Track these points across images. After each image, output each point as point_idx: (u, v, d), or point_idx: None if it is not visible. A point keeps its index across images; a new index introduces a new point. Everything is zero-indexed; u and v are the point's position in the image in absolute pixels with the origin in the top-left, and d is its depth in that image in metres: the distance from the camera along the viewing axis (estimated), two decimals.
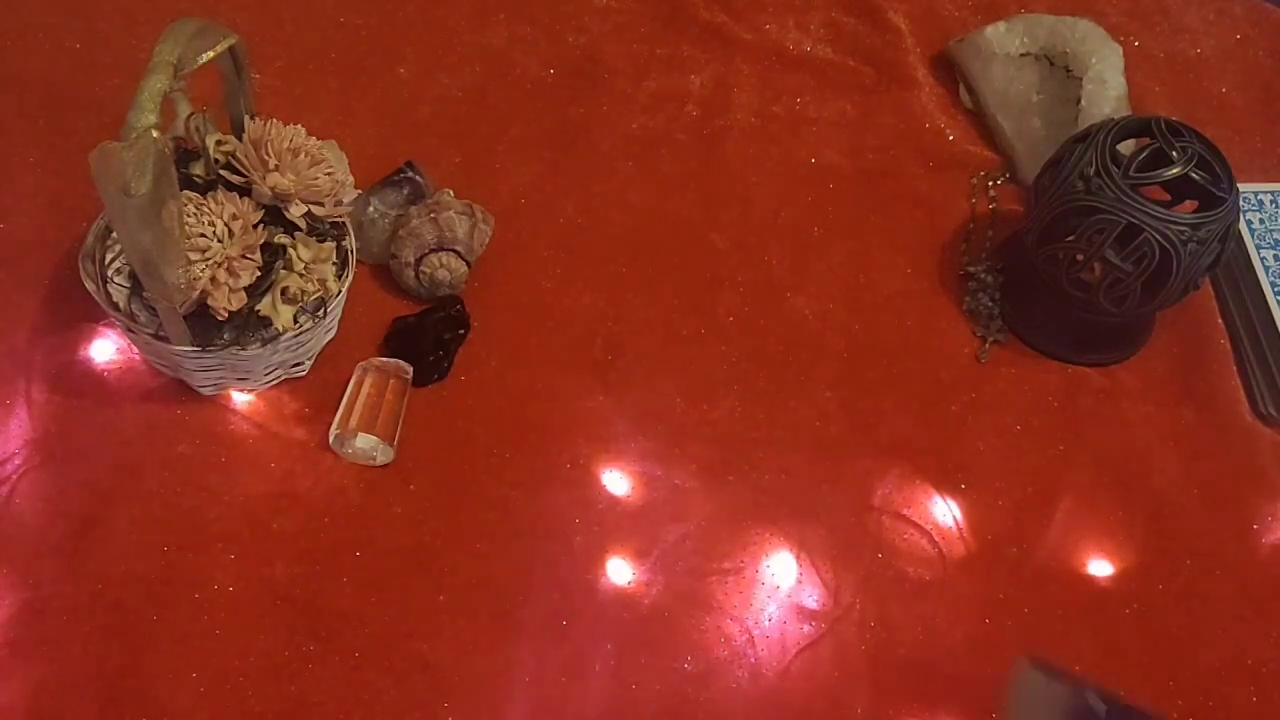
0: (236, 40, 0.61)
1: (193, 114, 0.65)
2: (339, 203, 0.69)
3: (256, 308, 0.66)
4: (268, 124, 0.66)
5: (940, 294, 0.85)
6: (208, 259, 0.62)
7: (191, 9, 0.84)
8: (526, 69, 0.94)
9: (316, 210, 0.68)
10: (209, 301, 0.64)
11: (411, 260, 0.77)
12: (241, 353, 0.67)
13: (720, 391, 0.78)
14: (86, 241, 0.68)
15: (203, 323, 0.65)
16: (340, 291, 0.71)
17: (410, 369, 0.74)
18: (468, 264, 0.78)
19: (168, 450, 0.71)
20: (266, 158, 0.65)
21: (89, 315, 0.75)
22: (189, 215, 0.62)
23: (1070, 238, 0.74)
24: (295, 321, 0.68)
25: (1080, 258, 0.74)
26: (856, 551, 0.71)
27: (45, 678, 0.63)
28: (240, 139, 0.66)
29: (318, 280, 0.69)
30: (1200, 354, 0.83)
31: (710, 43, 0.98)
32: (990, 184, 0.91)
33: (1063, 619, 0.70)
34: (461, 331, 0.77)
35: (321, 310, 0.69)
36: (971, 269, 0.85)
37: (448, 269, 0.77)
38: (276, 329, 0.67)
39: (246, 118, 0.67)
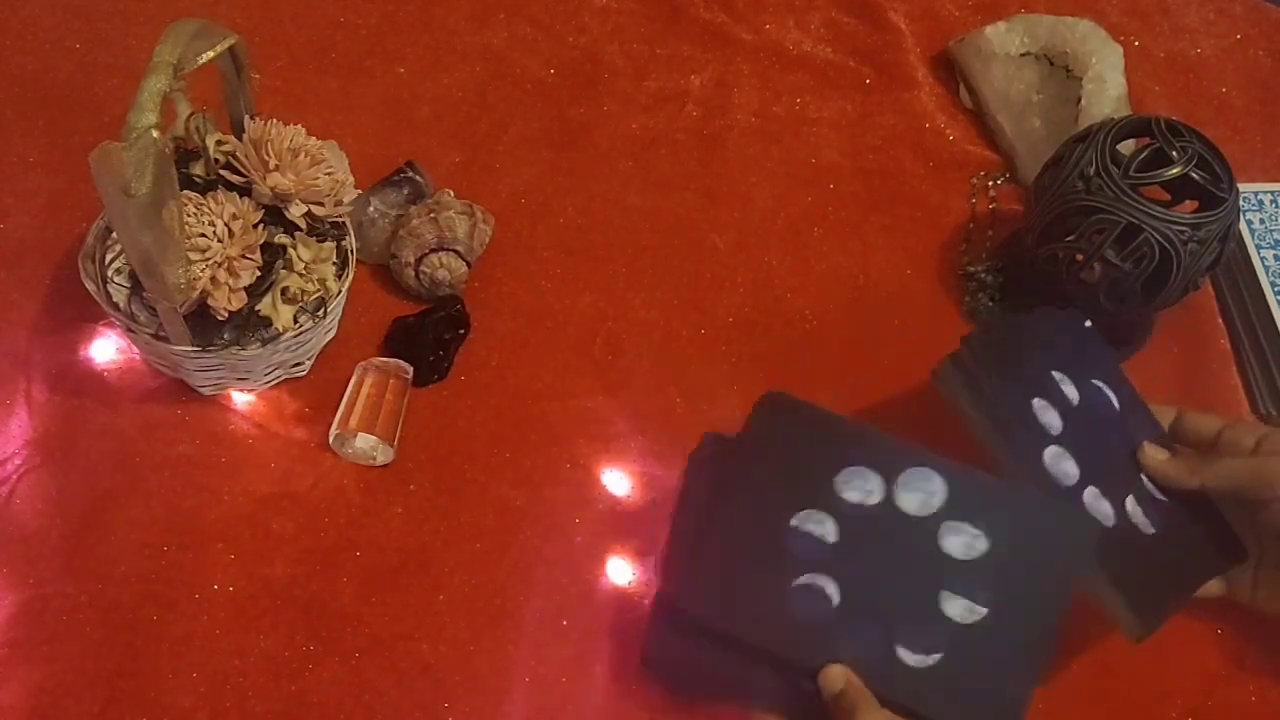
0: (236, 40, 0.61)
1: (193, 114, 0.65)
2: (339, 203, 0.69)
3: (256, 308, 0.66)
4: (268, 124, 0.66)
5: (940, 294, 0.85)
6: (208, 259, 0.62)
7: (191, 9, 0.84)
8: (526, 69, 0.94)
9: (316, 210, 0.68)
10: (209, 301, 0.64)
11: (411, 260, 0.77)
12: (241, 353, 0.67)
13: (720, 391, 0.78)
14: (86, 241, 0.68)
15: (203, 323, 0.65)
16: (340, 291, 0.71)
17: (410, 369, 0.74)
18: (468, 264, 0.78)
19: (168, 450, 0.71)
20: (266, 158, 0.65)
21: (89, 315, 0.75)
22: (189, 215, 0.62)
23: (1070, 238, 0.74)
24: (295, 321, 0.68)
25: (1080, 258, 0.74)
26: None
27: (45, 678, 0.63)
28: (240, 139, 0.67)
29: (318, 280, 0.69)
30: (1200, 354, 0.83)
31: (710, 43, 0.98)
32: (990, 184, 0.91)
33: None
34: (461, 331, 0.77)
35: (321, 310, 0.69)
36: (971, 269, 0.85)
37: (448, 269, 0.77)
38: (276, 329, 0.67)
39: (246, 118, 0.67)
